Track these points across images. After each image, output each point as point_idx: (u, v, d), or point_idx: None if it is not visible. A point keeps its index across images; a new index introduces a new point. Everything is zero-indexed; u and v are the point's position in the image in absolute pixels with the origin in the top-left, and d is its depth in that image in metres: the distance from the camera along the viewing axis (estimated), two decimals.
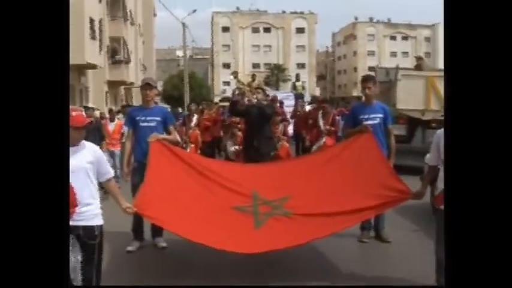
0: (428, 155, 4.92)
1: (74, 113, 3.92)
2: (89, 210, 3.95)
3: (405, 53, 79.53)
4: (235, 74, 15.07)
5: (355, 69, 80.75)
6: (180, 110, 14.92)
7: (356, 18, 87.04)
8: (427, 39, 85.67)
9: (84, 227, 3.92)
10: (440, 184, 4.53)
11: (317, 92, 71.30)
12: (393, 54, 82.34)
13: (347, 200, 5.26)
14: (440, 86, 12.30)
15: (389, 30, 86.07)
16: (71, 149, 3.83)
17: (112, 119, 11.70)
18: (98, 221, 4.03)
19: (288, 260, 5.68)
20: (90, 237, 3.96)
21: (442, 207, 4.46)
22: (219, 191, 5.48)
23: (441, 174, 4.52)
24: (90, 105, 22.53)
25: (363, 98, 6.76)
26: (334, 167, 5.68)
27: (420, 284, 4.27)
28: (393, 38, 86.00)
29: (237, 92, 9.03)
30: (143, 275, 5.39)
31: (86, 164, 3.95)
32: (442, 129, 4.68)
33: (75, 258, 3.94)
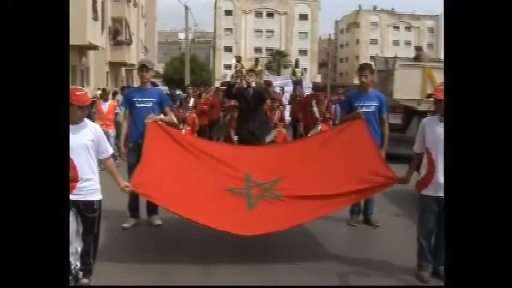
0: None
1: (78, 93, 4.15)
2: (89, 185, 4.20)
3: (408, 43, 79.13)
4: (238, 57, 15.18)
5: (357, 57, 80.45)
6: (178, 92, 14.89)
7: (360, 7, 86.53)
8: (431, 29, 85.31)
9: (84, 202, 4.17)
10: (422, 170, 4.74)
11: (318, 78, 71.22)
12: (396, 43, 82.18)
13: (337, 184, 5.44)
14: (437, 76, 12.45)
15: (392, 20, 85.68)
16: (73, 126, 4.08)
17: (105, 99, 11.52)
18: (97, 196, 4.28)
19: (279, 241, 5.87)
20: (90, 211, 4.23)
21: (422, 192, 4.70)
22: (213, 173, 5.63)
23: (424, 161, 4.73)
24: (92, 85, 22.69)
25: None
26: (325, 152, 5.84)
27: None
28: (396, 27, 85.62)
29: (235, 75, 9.20)
30: (138, 251, 5.57)
31: (87, 141, 4.18)
32: (428, 117, 4.90)
33: (76, 230, 4.20)
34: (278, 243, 5.80)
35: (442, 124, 4.53)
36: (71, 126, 4.00)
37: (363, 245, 6.06)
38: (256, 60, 19.78)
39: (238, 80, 8.62)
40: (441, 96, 4.47)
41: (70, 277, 4.23)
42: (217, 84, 38.90)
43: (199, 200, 5.32)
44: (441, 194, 4.41)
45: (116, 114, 11.73)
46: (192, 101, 12.45)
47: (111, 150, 4.53)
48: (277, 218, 5.32)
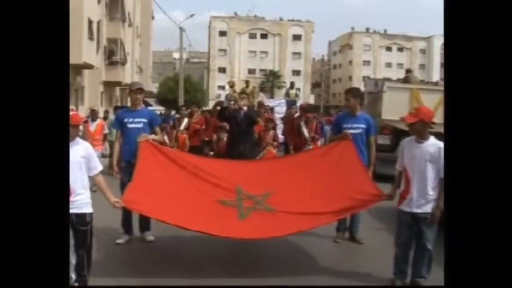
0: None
1: (70, 113, 4.42)
2: (80, 199, 4.49)
3: (400, 64, 79.85)
4: (231, 83, 15.85)
5: (350, 78, 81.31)
6: (173, 112, 15.08)
7: (353, 28, 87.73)
8: (422, 51, 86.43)
9: (77, 214, 4.45)
10: (402, 186, 5.14)
11: (311, 99, 71.82)
12: (388, 65, 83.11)
13: (324, 201, 5.68)
14: (424, 98, 12.81)
15: (385, 41, 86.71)
16: (72, 142, 4.43)
17: (94, 119, 11.47)
18: (88, 209, 4.57)
19: (269, 257, 6.18)
20: (82, 224, 4.50)
21: (399, 207, 5.12)
22: (204, 186, 5.87)
23: (402, 178, 5.16)
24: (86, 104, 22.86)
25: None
26: (314, 169, 6.10)
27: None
28: (389, 49, 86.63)
29: (230, 99, 9.60)
30: (131, 266, 5.76)
31: (80, 158, 4.50)
32: (407, 138, 5.24)
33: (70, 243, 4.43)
34: (265, 259, 6.07)
35: (419, 145, 5.00)
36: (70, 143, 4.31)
37: (346, 260, 6.28)
38: (247, 82, 20.22)
39: (232, 103, 8.95)
40: (409, 120, 4.89)
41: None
42: (211, 104, 39.23)
43: (190, 210, 5.54)
44: (416, 210, 4.91)
45: (105, 134, 11.88)
46: (185, 122, 12.54)
47: (100, 168, 4.82)
48: (268, 227, 5.55)
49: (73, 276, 4.60)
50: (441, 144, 4.88)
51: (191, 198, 5.71)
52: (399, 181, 5.29)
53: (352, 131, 6.58)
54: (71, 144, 4.42)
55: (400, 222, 5.15)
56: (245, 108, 8.49)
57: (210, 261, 5.91)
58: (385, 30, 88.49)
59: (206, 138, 12.63)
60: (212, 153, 10.84)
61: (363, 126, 6.75)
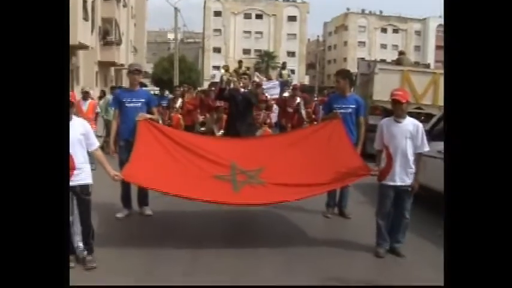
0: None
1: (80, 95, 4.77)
2: (83, 172, 4.91)
3: (395, 46, 79.93)
4: (226, 67, 16.35)
5: (345, 59, 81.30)
6: (167, 92, 15.20)
7: (348, 9, 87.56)
8: (418, 32, 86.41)
9: (81, 186, 4.89)
10: (382, 164, 5.61)
11: (306, 80, 71.85)
12: (383, 46, 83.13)
13: (313, 175, 6.02)
14: (415, 80, 13.13)
15: (380, 23, 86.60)
16: (71, 120, 4.79)
17: (85, 99, 11.56)
18: (90, 180, 5.00)
19: (260, 231, 6.58)
20: (86, 193, 4.96)
21: (382, 182, 5.56)
22: (200, 162, 6.18)
23: (383, 155, 5.60)
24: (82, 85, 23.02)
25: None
26: (305, 146, 6.46)
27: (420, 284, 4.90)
28: (384, 30, 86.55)
29: (225, 80, 9.88)
30: (131, 238, 6.07)
31: (79, 135, 4.88)
32: (384, 119, 5.68)
33: (73, 212, 4.96)
34: (259, 233, 6.44)
35: (398, 124, 5.49)
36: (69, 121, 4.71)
37: (335, 233, 6.63)
38: (240, 62, 20.52)
39: (227, 85, 9.24)
40: (403, 99, 5.30)
41: (73, 256, 4.94)
42: (205, 84, 39.36)
43: (187, 182, 5.85)
44: (399, 183, 5.43)
45: (97, 113, 12.11)
46: (179, 102, 12.67)
47: (97, 143, 5.20)
48: (259, 196, 5.94)
49: (80, 245, 5.03)
50: (418, 122, 5.56)
51: (188, 172, 6.01)
52: (379, 158, 5.69)
53: (342, 111, 6.91)
54: (70, 122, 4.75)
55: (383, 195, 5.56)
56: (243, 90, 8.75)
57: (206, 233, 6.26)
58: (380, 12, 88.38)
59: (202, 118, 12.87)
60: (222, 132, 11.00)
61: (353, 106, 7.06)
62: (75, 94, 5.10)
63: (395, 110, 5.52)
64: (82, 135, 4.88)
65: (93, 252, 5.05)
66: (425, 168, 5.90)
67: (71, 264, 4.83)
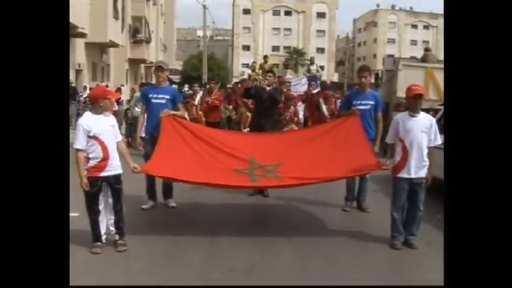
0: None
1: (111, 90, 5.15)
2: (115, 162, 5.28)
3: (426, 42, 78.69)
4: (252, 67, 16.83)
5: (375, 56, 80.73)
6: (185, 88, 15.11)
7: (378, 5, 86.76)
8: None
9: (114, 175, 5.27)
10: (397, 157, 5.73)
11: (335, 77, 71.61)
12: (413, 42, 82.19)
13: (329, 170, 6.21)
14: (439, 77, 13.09)
15: (410, 19, 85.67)
16: (102, 115, 5.24)
17: None
18: (120, 170, 5.36)
19: (282, 221, 6.80)
20: (118, 183, 5.33)
21: (397, 175, 5.68)
22: (220, 156, 6.45)
23: (398, 149, 5.72)
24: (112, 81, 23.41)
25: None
26: (322, 142, 6.67)
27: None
28: (414, 26, 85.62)
29: (251, 79, 10.18)
30: (155, 227, 6.37)
31: (110, 127, 5.28)
32: (399, 114, 5.82)
33: (106, 201, 5.34)
34: (276, 225, 6.69)
35: (413, 118, 5.63)
36: (102, 115, 5.21)
37: (351, 224, 6.79)
38: (265, 57, 20.32)
39: (256, 83, 9.46)
40: (409, 94, 5.47)
41: (104, 237, 5.38)
42: (234, 80, 39.62)
43: (206, 173, 6.13)
44: (414, 175, 5.58)
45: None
46: (197, 98, 12.46)
47: (121, 135, 5.60)
48: (276, 184, 6.37)
49: (112, 229, 5.41)
50: (431, 117, 5.81)
51: (207, 165, 6.28)
52: (391, 152, 5.86)
53: (361, 107, 7.06)
54: (104, 115, 5.25)
55: (398, 188, 5.70)
56: (268, 88, 8.90)
57: (225, 223, 6.54)
58: (410, 8, 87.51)
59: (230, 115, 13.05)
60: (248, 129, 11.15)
61: (372, 102, 7.21)
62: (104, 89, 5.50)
63: (415, 104, 5.64)
64: (112, 126, 5.29)
65: (124, 236, 5.41)
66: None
67: (98, 251, 5.17)
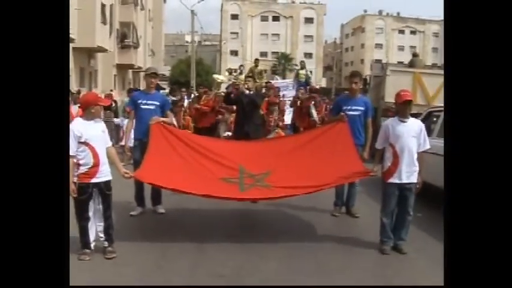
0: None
1: (103, 97, 5.13)
2: (106, 168, 5.26)
3: (413, 47, 79.26)
4: (229, 70, 16.92)
5: (362, 61, 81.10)
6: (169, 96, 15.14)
7: (365, 11, 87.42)
8: (436, 34, 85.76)
9: (105, 181, 5.25)
10: (387, 163, 5.73)
11: (323, 82, 71.83)
12: (401, 48, 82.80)
13: (318, 177, 6.21)
14: (426, 82, 13.24)
15: (398, 24, 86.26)
16: (93, 121, 5.22)
17: (75, 102, 11.12)
18: (110, 176, 5.32)
19: (271, 227, 6.78)
20: (109, 189, 5.31)
21: (388, 180, 5.67)
22: (210, 165, 6.42)
23: (388, 155, 5.73)
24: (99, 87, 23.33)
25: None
26: (310, 149, 6.66)
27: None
28: (401, 32, 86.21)
29: (231, 83, 10.17)
30: (144, 233, 6.33)
31: (101, 132, 5.25)
32: (389, 119, 5.84)
33: (96, 208, 5.30)
34: (265, 230, 6.68)
35: (403, 123, 5.65)
36: (92, 121, 5.19)
37: (340, 230, 6.79)
38: (256, 61, 20.27)
39: (233, 89, 9.45)
40: (399, 100, 5.49)
41: (93, 244, 5.32)
42: (223, 86, 39.56)
43: (195, 181, 6.09)
44: (405, 180, 5.59)
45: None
46: (185, 103, 12.47)
47: (110, 142, 5.54)
48: (263, 195, 6.34)
49: (101, 235, 5.38)
50: (420, 122, 5.84)
51: (197, 173, 6.25)
52: (380, 158, 5.89)
53: (351, 112, 7.07)
54: (95, 121, 5.24)
55: (388, 194, 5.72)
56: (247, 92, 8.89)
57: (213, 229, 6.52)
58: (398, 13, 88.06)
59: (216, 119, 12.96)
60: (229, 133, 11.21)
61: (362, 108, 7.22)
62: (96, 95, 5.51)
63: (405, 109, 5.65)
64: (102, 132, 5.28)
65: (113, 242, 5.38)
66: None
67: (86, 258, 5.13)
